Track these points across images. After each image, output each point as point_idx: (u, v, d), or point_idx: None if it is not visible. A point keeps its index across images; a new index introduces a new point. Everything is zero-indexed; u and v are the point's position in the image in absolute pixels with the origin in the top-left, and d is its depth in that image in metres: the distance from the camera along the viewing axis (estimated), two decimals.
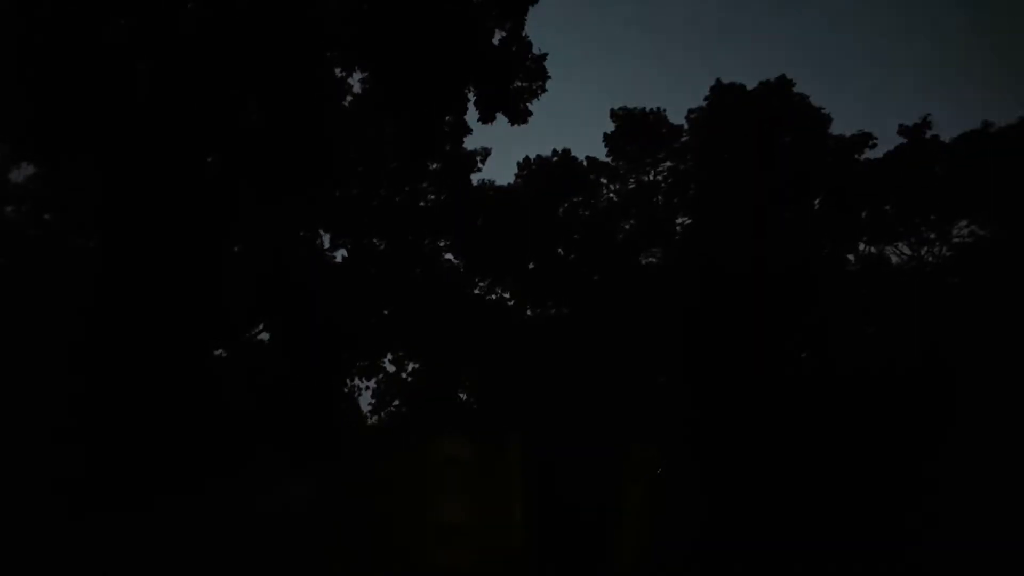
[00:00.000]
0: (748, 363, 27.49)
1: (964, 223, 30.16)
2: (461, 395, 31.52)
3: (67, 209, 25.09)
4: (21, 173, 24.62)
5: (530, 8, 21.68)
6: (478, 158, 29.34)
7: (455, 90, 22.01)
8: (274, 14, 21.05)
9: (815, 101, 31.58)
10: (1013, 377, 23.82)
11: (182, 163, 22.01)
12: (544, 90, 21.04)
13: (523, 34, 20.92)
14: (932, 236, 30.39)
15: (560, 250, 31.67)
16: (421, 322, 29.27)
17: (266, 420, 24.44)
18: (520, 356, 29.49)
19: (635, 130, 32.38)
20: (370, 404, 31.73)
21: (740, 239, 29.55)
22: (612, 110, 32.58)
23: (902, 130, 30.69)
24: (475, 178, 30.80)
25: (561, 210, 32.30)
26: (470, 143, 27.70)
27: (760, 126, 31.25)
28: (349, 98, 25.37)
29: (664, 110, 32.62)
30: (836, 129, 31.65)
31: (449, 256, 31.62)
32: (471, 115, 22.36)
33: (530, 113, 20.92)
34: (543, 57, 20.98)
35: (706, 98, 31.85)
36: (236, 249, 25.66)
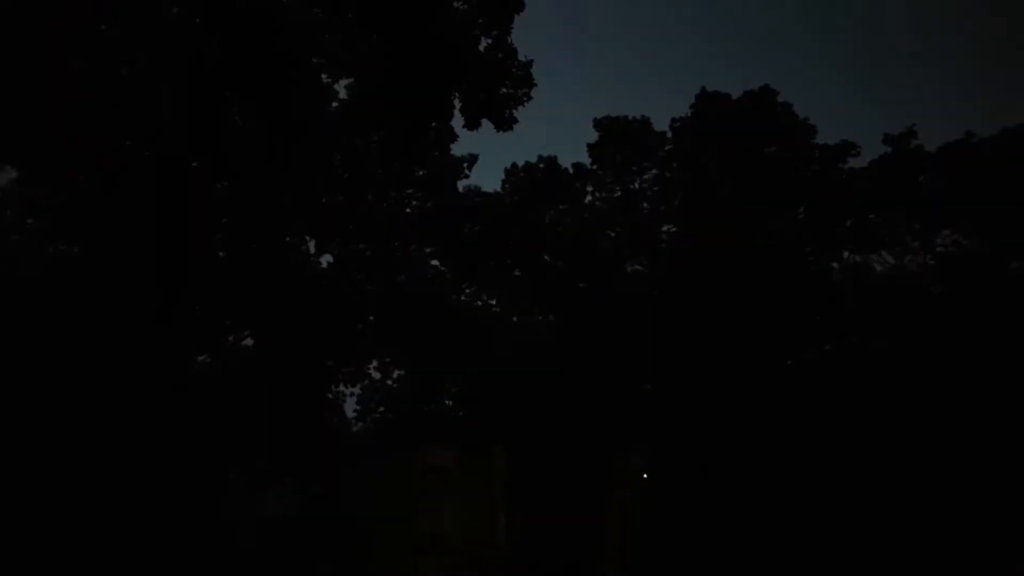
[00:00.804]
0: (734, 371, 27.55)
1: (947, 232, 30.40)
2: (447, 402, 31.43)
3: (49, 214, 24.90)
4: (3, 177, 24.41)
5: (516, 16, 21.76)
6: (464, 164, 29.34)
7: (441, 97, 21.97)
8: (260, 19, 21.01)
9: (799, 110, 31.87)
10: (995, 382, 24.02)
11: (165, 167, 21.89)
12: (530, 97, 21.01)
13: (509, 41, 20.92)
14: (916, 245, 30.59)
15: (546, 257, 31.65)
16: (407, 329, 29.16)
17: (250, 428, 24.28)
18: (506, 364, 29.43)
19: (619, 139, 32.43)
20: (355, 410, 31.65)
21: (725, 248, 29.64)
22: (595, 119, 32.72)
23: (887, 139, 30.94)
24: (461, 185, 30.84)
25: (547, 218, 32.31)
26: (457, 149, 27.74)
27: (744, 136, 31.42)
28: (335, 104, 25.38)
29: (648, 119, 32.82)
30: (821, 137, 31.94)
31: (435, 263, 31.56)
32: (457, 121, 22.37)
33: (516, 120, 20.86)
34: (529, 64, 21.01)
35: (691, 107, 32.02)
36: (221, 255, 25.53)
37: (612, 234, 31.81)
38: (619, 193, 32.62)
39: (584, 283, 30.50)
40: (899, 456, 24.39)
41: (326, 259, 29.41)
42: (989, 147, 30.03)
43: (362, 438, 30.92)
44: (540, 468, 25.78)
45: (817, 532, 23.47)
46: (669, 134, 32.68)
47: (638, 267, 31.77)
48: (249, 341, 27.83)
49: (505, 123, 20.71)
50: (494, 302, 32.08)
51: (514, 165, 32.47)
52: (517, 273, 31.44)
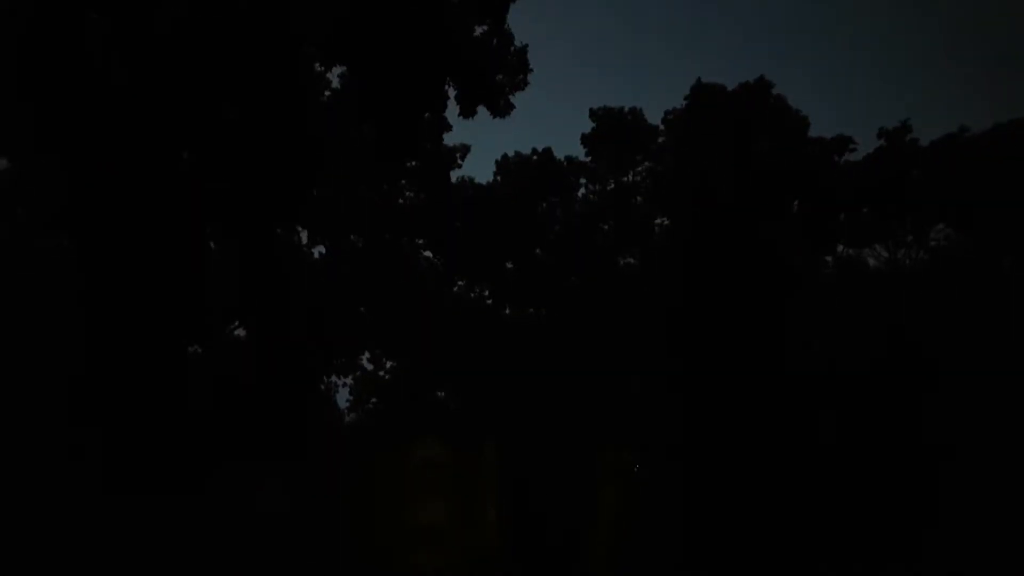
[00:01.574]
0: (727, 365, 27.45)
1: (941, 227, 30.41)
2: (439, 394, 31.29)
3: (39, 205, 24.59)
4: None
5: (511, 4, 21.59)
6: (457, 155, 29.13)
7: (435, 84, 21.81)
8: (250, 8, 20.78)
9: (794, 102, 31.80)
10: (992, 376, 24.02)
11: (156, 159, 21.64)
12: (527, 83, 20.86)
13: (504, 27, 20.72)
14: (909, 239, 30.58)
15: (539, 250, 31.51)
16: (399, 320, 29.00)
17: (242, 421, 24.05)
18: (498, 356, 29.29)
19: (613, 130, 32.30)
20: (347, 401, 31.47)
21: (719, 242, 29.55)
22: (591, 109, 32.56)
23: (882, 133, 30.89)
24: (454, 175, 30.64)
25: (540, 210, 32.16)
26: (450, 139, 27.55)
27: (738, 128, 31.33)
28: (327, 93, 25.13)
29: (642, 110, 32.72)
30: (816, 130, 31.92)
31: (428, 254, 31.40)
32: (452, 110, 22.20)
33: (512, 106, 20.73)
34: (524, 49, 20.82)
35: (686, 98, 31.86)
36: (212, 246, 25.27)
37: (605, 227, 31.69)
38: (612, 186, 32.51)
39: (577, 276, 30.39)
40: (891, 453, 24.36)
41: (318, 250, 29.25)
42: (982, 143, 30.05)
43: (354, 430, 30.74)
44: (532, 461, 25.67)
45: (810, 528, 23.42)
46: (662, 126, 32.59)
47: (631, 260, 31.66)
48: (240, 332, 27.61)
49: (502, 109, 20.58)
50: (487, 294, 31.94)
51: (506, 156, 32.33)
52: (510, 265, 31.32)
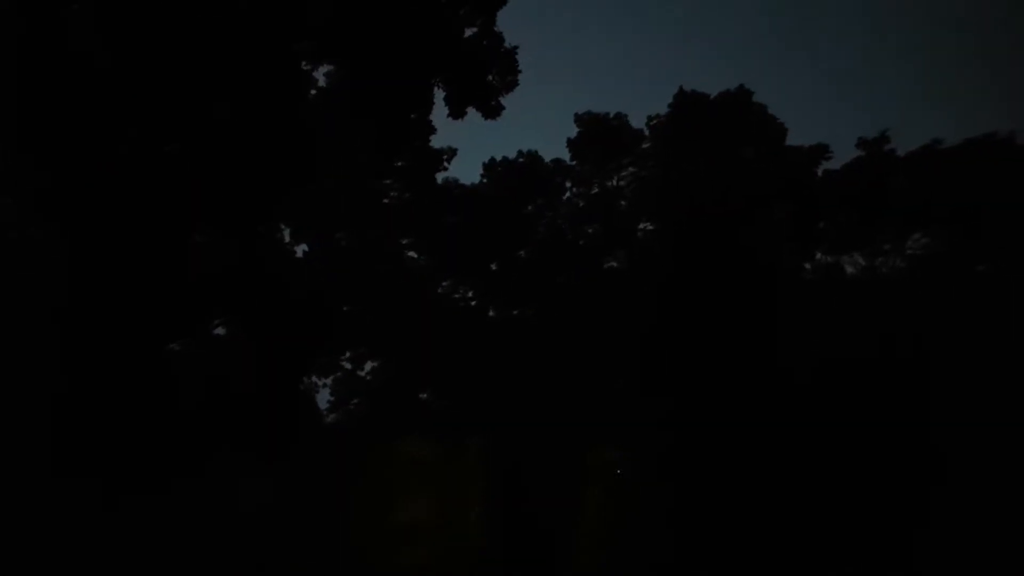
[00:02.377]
0: (708, 368, 27.73)
1: (918, 236, 30.96)
2: (422, 395, 31.24)
3: (20, 196, 24.23)
4: None
5: (502, 6, 21.68)
6: (444, 157, 29.07)
7: (424, 84, 21.83)
8: (240, 3, 20.70)
9: (779, 111, 32.28)
10: (972, 378, 24.51)
11: (141, 152, 21.44)
12: (516, 84, 20.92)
13: (495, 28, 20.81)
14: (887, 248, 31.10)
15: (524, 252, 31.63)
16: (383, 320, 28.92)
17: (225, 419, 23.84)
18: (483, 357, 29.33)
19: (599, 135, 32.57)
20: (328, 402, 31.30)
21: (701, 246, 29.87)
22: (576, 114, 32.82)
23: (861, 142, 31.43)
24: (440, 177, 30.61)
25: (526, 212, 32.29)
26: (436, 141, 27.52)
27: (719, 136, 31.75)
28: (313, 92, 25.04)
29: (626, 116, 32.97)
30: (798, 138, 32.40)
31: (412, 254, 31.36)
32: (441, 111, 22.19)
33: (503, 107, 20.78)
34: (514, 50, 20.89)
35: (669, 105, 32.20)
36: (197, 240, 25.04)
37: (590, 230, 31.91)
38: (597, 190, 32.75)
39: (562, 278, 30.53)
40: (878, 455, 24.73)
41: (302, 248, 29.10)
42: (955, 155, 30.72)
43: (335, 430, 30.57)
44: (517, 462, 25.72)
45: (798, 529, 23.68)
46: (646, 132, 32.91)
47: (615, 263, 31.89)
48: (221, 330, 27.38)
49: (492, 111, 20.62)
50: (471, 295, 31.98)
51: (493, 159, 32.47)
52: (495, 266, 31.39)
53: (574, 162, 32.76)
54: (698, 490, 25.14)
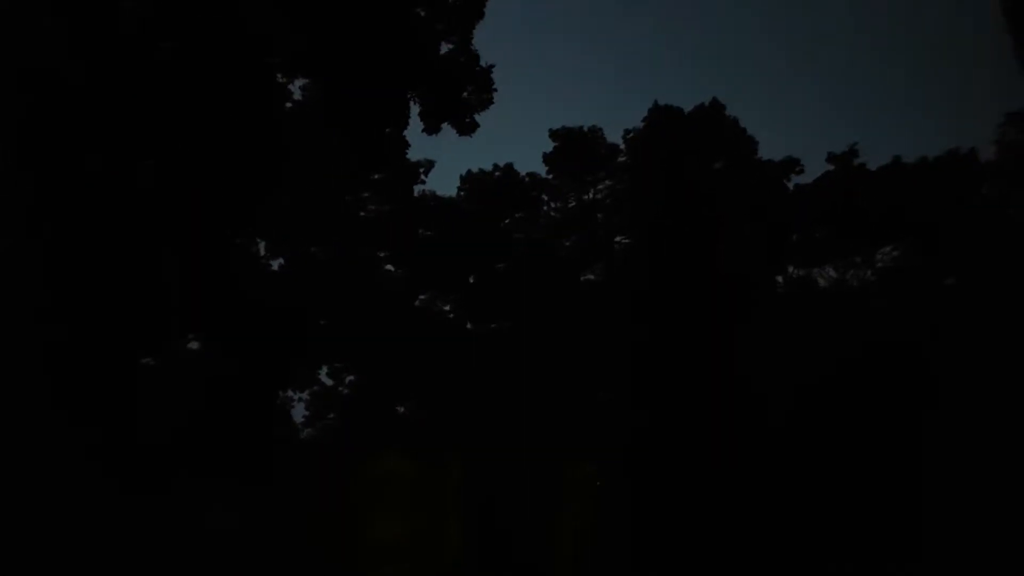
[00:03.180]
0: (682, 380, 27.92)
1: (887, 249, 31.48)
2: (399, 408, 31.12)
3: None
4: None
5: (478, 23, 21.78)
6: (421, 170, 29.08)
7: (400, 98, 21.86)
8: (215, 17, 20.62)
9: (745, 123, 32.71)
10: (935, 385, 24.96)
11: (114, 166, 21.24)
12: (492, 102, 21.00)
13: (471, 46, 20.91)
14: (858, 260, 31.57)
15: (501, 265, 31.69)
16: (360, 334, 28.78)
17: (194, 439, 23.51)
18: (461, 371, 29.29)
19: (574, 150, 32.79)
20: (304, 416, 31.05)
21: (674, 260, 30.12)
22: (551, 130, 33.10)
23: (831, 157, 31.91)
24: (417, 190, 30.63)
25: (503, 225, 32.39)
26: (415, 154, 27.58)
27: (693, 149, 32.07)
28: (289, 105, 24.96)
29: (601, 130, 33.26)
30: (776, 151, 32.82)
31: (389, 267, 31.27)
32: (416, 126, 22.22)
33: (477, 125, 20.84)
34: (490, 68, 20.97)
35: (644, 119, 32.49)
36: (169, 253, 24.77)
37: (567, 243, 32.06)
38: (574, 203, 32.95)
39: (540, 291, 30.61)
40: (844, 463, 25.06)
41: (278, 262, 28.92)
42: (924, 169, 31.34)
43: (311, 445, 30.33)
44: (495, 475, 25.70)
45: (777, 543, 23.89)
46: (621, 145, 33.19)
47: (592, 276, 32.06)
48: (195, 344, 27.08)
49: (467, 128, 20.67)
50: (448, 308, 31.98)
51: (470, 172, 32.51)
52: (472, 280, 31.41)
53: (550, 176, 32.93)
54: (675, 503, 25.28)
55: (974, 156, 30.41)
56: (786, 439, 26.25)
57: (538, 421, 27.19)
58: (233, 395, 24.93)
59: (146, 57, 20.46)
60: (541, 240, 31.95)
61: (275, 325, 26.43)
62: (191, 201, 24.34)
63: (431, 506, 23.89)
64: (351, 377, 30.93)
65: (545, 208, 33.12)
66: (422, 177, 29.40)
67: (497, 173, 32.42)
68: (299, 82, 23.74)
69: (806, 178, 32.61)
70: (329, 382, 30.94)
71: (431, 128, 21.84)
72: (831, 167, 32.21)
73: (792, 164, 32.73)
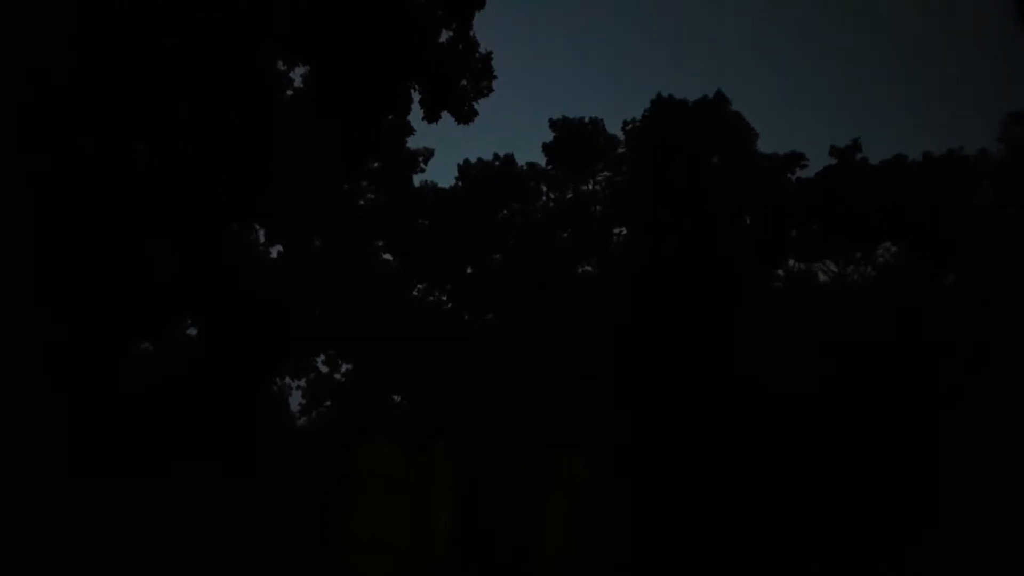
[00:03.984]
0: (677, 376, 27.82)
1: (887, 244, 31.33)
2: (395, 397, 31.10)
3: None
4: None
5: (476, 12, 21.62)
6: (420, 159, 29.08)
7: (399, 87, 21.72)
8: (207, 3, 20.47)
9: (749, 117, 32.46)
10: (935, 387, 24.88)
11: (108, 151, 21.15)
12: (491, 89, 20.91)
13: (470, 34, 20.75)
14: (858, 255, 31.42)
15: (498, 256, 31.59)
16: (356, 323, 28.74)
17: (183, 421, 23.48)
18: (455, 362, 29.24)
19: (574, 140, 32.61)
20: (300, 404, 31.09)
21: (673, 253, 29.98)
22: (551, 120, 32.88)
23: (833, 151, 31.71)
24: (417, 179, 30.57)
25: (501, 216, 32.26)
26: (413, 142, 27.45)
27: (694, 142, 31.85)
28: (289, 93, 24.86)
29: (602, 120, 33.06)
30: (771, 144, 32.61)
31: (387, 257, 31.21)
32: (416, 114, 22.11)
33: (476, 112, 20.74)
34: (489, 56, 20.85)
35: (646, 110, 32.25)
36: (163, 241, 24.71)
37: (564, 234, 31.92)
38: (572, 194, 32.80)
39: (535, 283, 30.50)
40: (840, 462, 25.00)
41: (276, 249, 28.87)
42: (925, 166, 31.17)
43: (307, 432, 30.37)
44: (485, 467, 25.63)
45: (767, 540, 23.83)
46: (620, 136, 33.02)
47: (588, 268, 31.94)
48: (192, 331, 27.09)
49: (465, 116, 20.59)
50: (445, 298, 31.89)
51: (468, 161, 32.35)
52: (469, 271, 31.33)
53: (550, 166, 32.77)
54: (667, 499, 25.23)
55: (980, 154, 30.23)
56: (785, 436, 26.15)
57: (532, 414, 27.13)
58: (228, 381, 24.94)
59: (143, 42, 20.33)
60: (538, 231, 31.81)
61: (264, 315, 26.41)
62: (187, 187, 24.30)
63: (420, 496, 23.80)
64: (347, 366, 30.95)
65: (544, 199, 32.97)
66: (421, 166, 29.40)
67: (496, 163, 32.27)
68: (300, 70, 23.63)
69: (810, 172, 32.42)
70: (325, 369, 30.97)
71: (431, 116, 21.74)
72: (834, 161, 32.00)
73: (796, 158, 32.50)
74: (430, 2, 21.43)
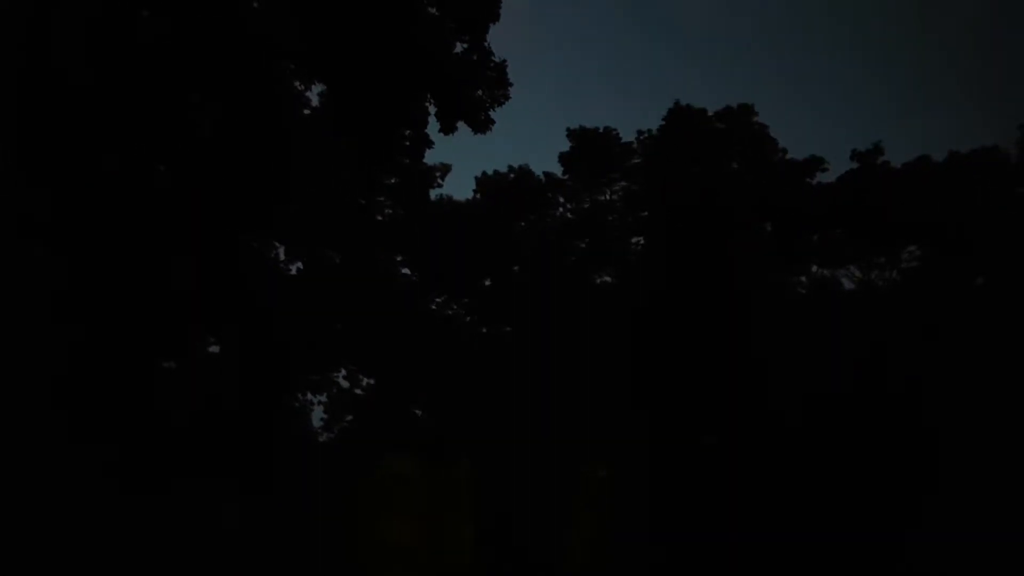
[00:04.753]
0: (696, 384, 27.53)
1: (912, 248, 30.87)
2: (416, 411, 31.06)
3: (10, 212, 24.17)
4: None
5: (491, 25, 21.65)
6: (438, 174, 29.13)
7: (415, 102, 21.77)
8: (229, 25, 20.68)
9: (770, 122, 32.26)
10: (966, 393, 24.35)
11: (131, 171, 21.37)
12: (507, 97, 20.71)
13: (485, 44, 20.72)
14: (882, 260, 30.99)
15: (516, 268, 31.53)
16: (376, 337, 28.77)
17: (207, 442, 23.56)
18: (475, 374, 29.16)
19: (589, 150, 32.57)
20: (322, 420, 31.15)
21: (689, 263, 29.73)
22: (568, 129, 32.90)
23: (855, 155, 31.39)
24: (434, 194, 30.66)
25: (517, 228, 32.24)
26: (431, 158, 27.48)
27: (712, 150, 31.68)
28: (307, 111, 25.05)
29: (616, 130, 33.05)
30: (793, 151, 32.33)
31: (406, 271, 31.28)
32: (432, 126, 22.10)
33: (493, 122, 20.61)
34: (504, 64, 20.74)
35: (663, 119, 32.17)
36: (184, 258, 24.91)
37: (582, 244, 31.81)
38: (588, 204, 32.73)
39: (553, 294, 30.39)
40: (862, 466, 24.54)
41: (296, 265, 29.02)
42: (949, 167, 30.71)
43: (329, 448, 30.38)
44: (508, 479, 25.46)
45: (792, 548, 23.42)
46: (635, 145, 32.92)
47: (606, 278, 31.78)
48: (214, 348, 27.24)
49: (482, 125, 20.47)
50: (465, 312, 31.86)
51: (485, 174, 32.45)
52: (488, 283, 31.29)
53: (566, 176, 32.75)
54: (690, 505, 24.91)
55: (1006, 154, 29.73)
56: (808, 445, 25.74)
57: (552, 424, 26.95)
58: (249, 398, 25.02)
59: (162, 63, 20.57)
60: (555, 242, 31.74)
61: (292, 329, 26.52)
62: (209, 204, 24.47)
63: (445, 508, 23.59)
64: (367, 380, 30.97)
65: (560, 210, 32.95)
66: (439, 181, 29.47)
67: (512, 175, 32.30)
68: (317, 88, 23.78)
69: (832, 177, 32.11)
70: (346, 384, 31.03)
71: (447, 128, 21.69)
72: (855, 165, 31.64)
73: (816, 163, 32.25)
74: (443, 16, 21.51)
